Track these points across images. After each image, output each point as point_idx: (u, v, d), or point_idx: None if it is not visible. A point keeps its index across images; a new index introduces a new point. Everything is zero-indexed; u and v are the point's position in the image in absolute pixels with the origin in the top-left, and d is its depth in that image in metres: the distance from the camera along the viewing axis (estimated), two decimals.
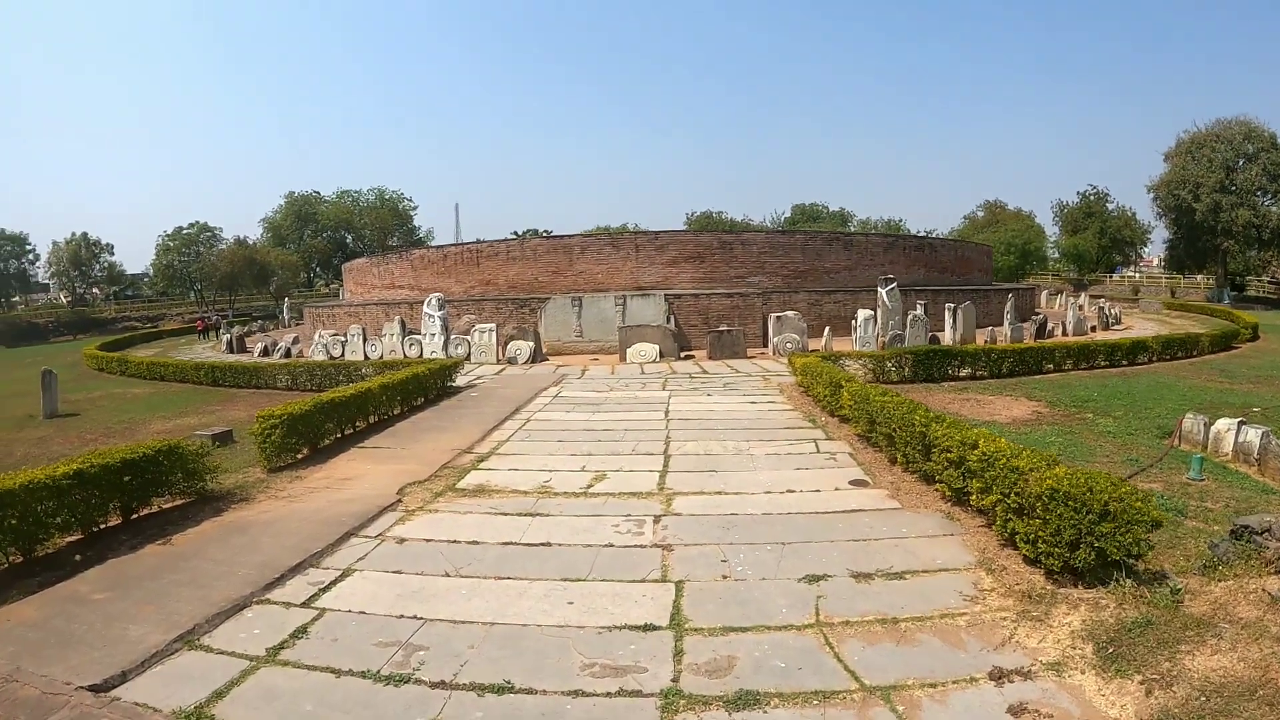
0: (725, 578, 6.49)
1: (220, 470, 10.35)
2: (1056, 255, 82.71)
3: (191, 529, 8.40)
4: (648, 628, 5.54)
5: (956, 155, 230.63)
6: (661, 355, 24.04)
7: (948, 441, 8.22)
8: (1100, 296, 50.53)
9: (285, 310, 56.54)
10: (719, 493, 9.10)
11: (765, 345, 26.48)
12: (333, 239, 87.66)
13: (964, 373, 18.78)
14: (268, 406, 11.72)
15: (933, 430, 8.72)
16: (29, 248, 75.40)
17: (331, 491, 9.71)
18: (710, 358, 24.03)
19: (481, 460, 11.01)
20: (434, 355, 24.90)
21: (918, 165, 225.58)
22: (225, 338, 39.19)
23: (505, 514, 8.50)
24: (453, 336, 25.32)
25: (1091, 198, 77.71)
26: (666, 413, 14.26)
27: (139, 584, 6.89)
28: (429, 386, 16.60)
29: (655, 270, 32.16)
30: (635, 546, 7.30)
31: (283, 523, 8.45)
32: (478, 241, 36.16)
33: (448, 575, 6.69)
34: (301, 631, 5.74)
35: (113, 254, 77.93)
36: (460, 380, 19.78)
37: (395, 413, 14.97)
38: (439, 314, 25.31)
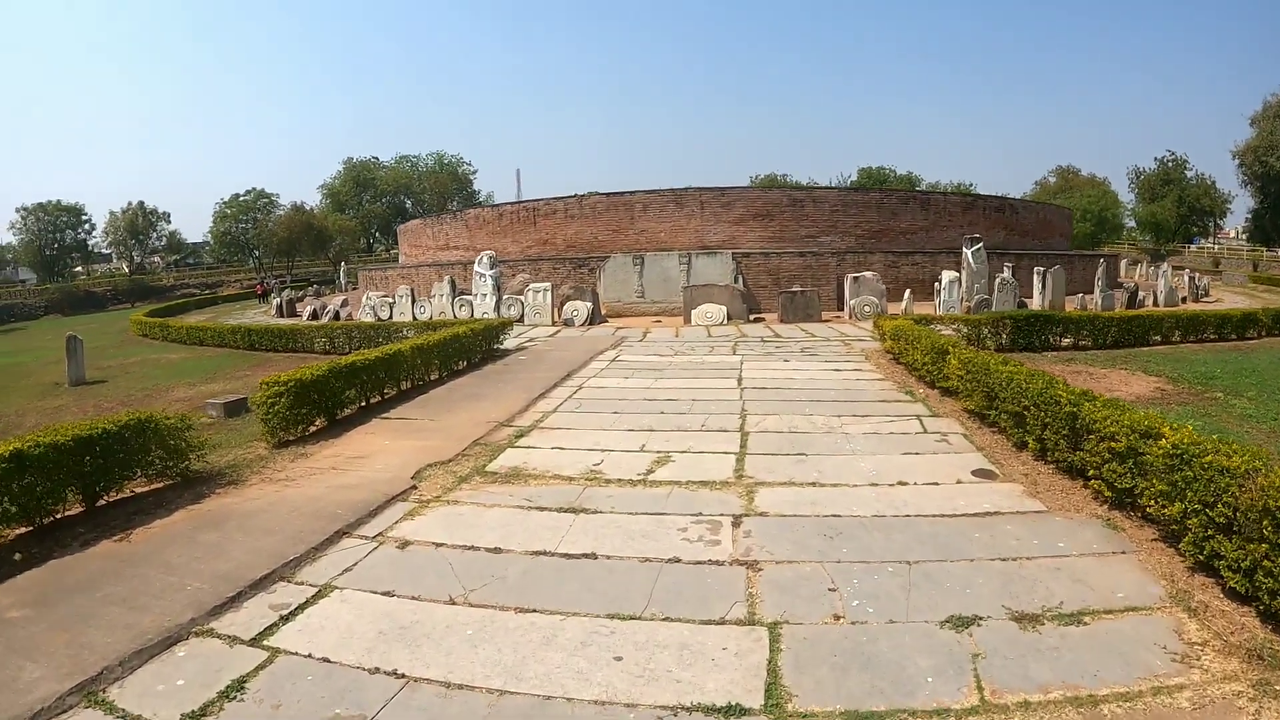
0: (838, 619, 4.58)
1: (212, 446, 8.88)
2: (1132, 224, 77.80)
3: (160, 520, 6.84)
4: (732, 712, 3.68)
5: (1027, 119, 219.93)
6: (729, 317, 22.02)
7: (1112, 427, 6.13)
8: (1181, 268, 46.53)
9: (342, 275, 56.03)
10: (813, 484, 7.15)
11: (840, 308, 24.23)
12: (391, 204, 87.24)
13: (1065, 342, 16.57)
14: (289, 370, 10.20)
15: (1086, 411, 6.64)
16: (85, 218, 76.41)
17: (337, 473, 8.07)
18: (781, 321, 21.92)
19: (521, 435, 9.25)
20: (485, 316, 23.33)
21: (987, 129, 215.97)
22: (275, 301, 38.52)
23: (542, 508, 6.72)
24: (505, 297, 23.70)
25: (1169, 164, 72.80)
26: (739, 381, 12.33)
27: (68, 598, 5.32)
28: (472, 349, 14.95)
29: (721, 229, 30.03)
30: (710, 563, 5.42)
31: (267, 514, 6.81)
32: (534, 200, 34.43)
33: (452, 602, 4.93)
34: (237, 687, 4.05)
35: (170, 222, 78.72)
36: (510, 342, 18.14)
37: (432, 378, 13.36)
38: (490, 273, 23.69)
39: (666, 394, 11.37)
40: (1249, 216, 60.67)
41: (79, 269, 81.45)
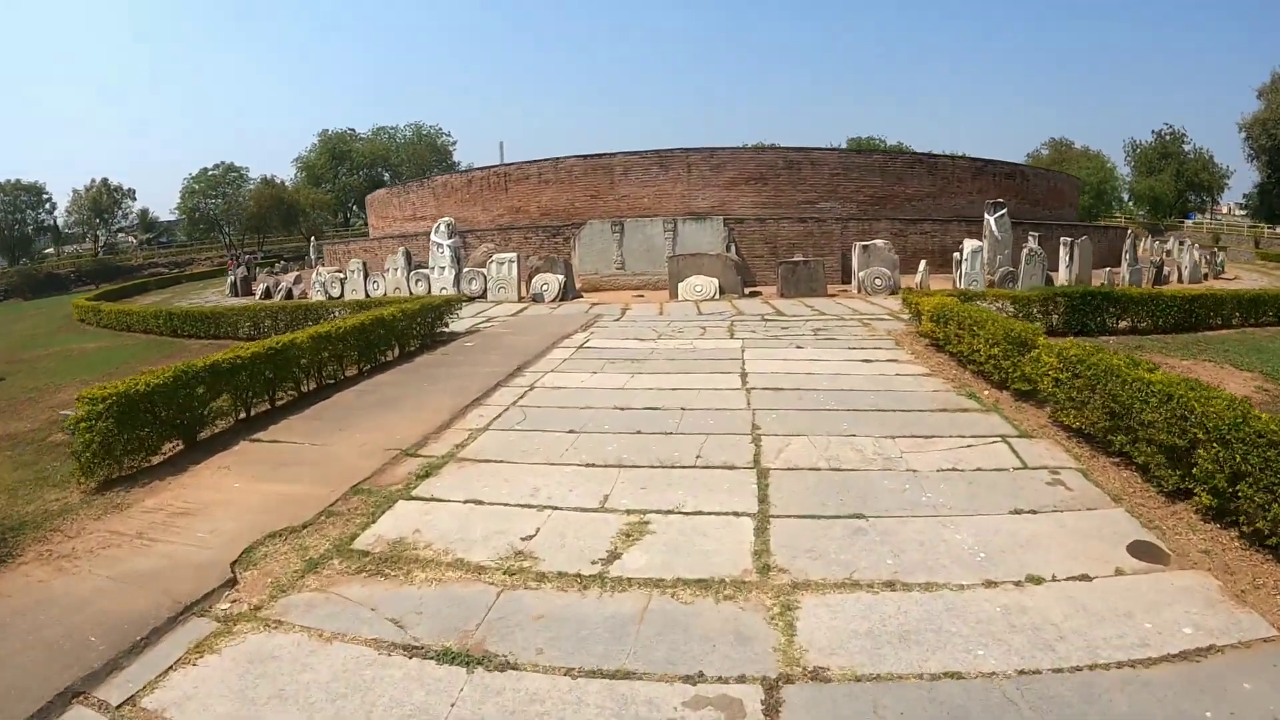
0: None
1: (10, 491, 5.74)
2: (1128, 198, 74.94)
3: None
4: None
5: (1018, 91, 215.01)
6: (721, 291, 18.85)
7: None
8: (1182, 242, 43.49)
9: (312, 250, 52.39)
10: (890, 585, 4.09)
11: (845, 281, 21.11)
12: (369, 177, 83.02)
13: (1122, 324, 13.57)
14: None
15: None
16: (46, 197, 71.93)
17: (141, 546, 5.04)
18: (781, 295, 18.78)
19: (426, 475, 6.08)
20: (443, 292, 20.10)
21: (976, 100, 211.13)
22: (230, 279, 35.08)
23: (412, 646, 3.64)
24: (466, 270, 20.43)
25: (1167, 138, 69.32)
26: (743, 377, 9.19)
27: None
28: (405, 335, 11.74)
29: (710, 194, 26.74)
30: None
31: None
32: (505, 164, 31.00)
33: None
34: None
35: (135, 199, 74.22)
36: (463, 322, 14.97)
37: (348, 374, 10.20)
38: (448, 243, 20.38)
39: (646, 398, 8.21)
40: (1254, 191, 57.82)
41: (49, 250, 77.14)
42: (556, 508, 5.25)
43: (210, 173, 71.53)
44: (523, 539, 4.80)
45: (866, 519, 4.95)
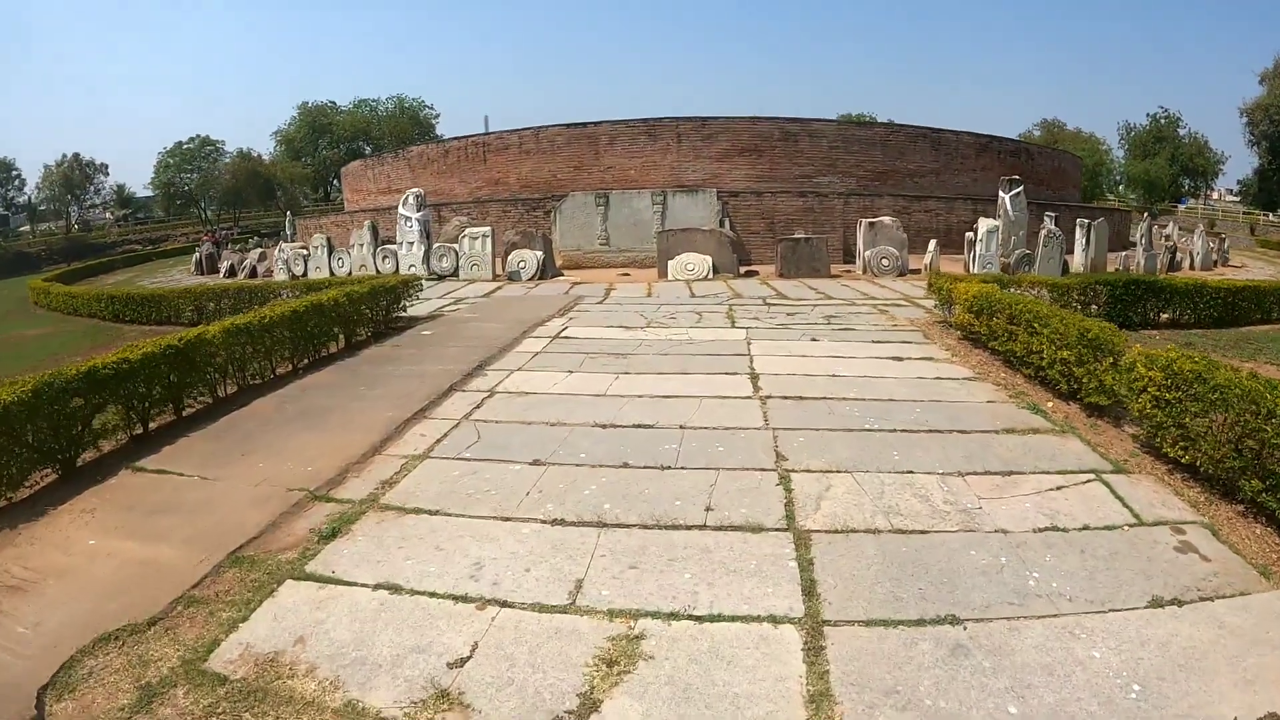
0: None
1: None
2: (1121, 181, 73.42)
3: None
4: None
5: (1008, 71, 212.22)
6: (715, 270, 17.11)
7: None
8: (1193, 229, 41.86)
9: (288, 225, 50.16)
10: None
11: (847, 261, 19.44)
12: (350, 150, 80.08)
13: (1164, 317, 12.01)
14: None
15: None
16: (15, 173, 68.84)
17: None
18: (781, 275, 17.07)
19: (333, 535, 4.35)
20: (412, 270, 18.28)
21: (966, 78, 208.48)
22: (195, 257, 33.02)
23: None
24: (436, 246, 18.55)
25: (1162, 121, 67.42)
26: (753, 380, 7.48)
27: None
28: (351, 322, 9.96)
29: (702, 165, 24.93)
30: None
31: None
32: (484, 134, 28.98)
33: None
34: None
35: (108, 174, 71.16)
36: (427, 304, 13.22)
37: (278, 372, 8.43)
38: (417, 216, 18.48)
39: (635, 411, 6.50)
40: (1251, 177, 56.48)
41: (25, 228, 74.11)
42: (506, 603, 3.55)
43: (185, 146, 68.68)
44: (450, 665, 3.12)
45: (963, 625, 3.30)
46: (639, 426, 6.04)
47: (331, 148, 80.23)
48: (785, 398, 6.76)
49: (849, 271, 17.93)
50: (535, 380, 7.67)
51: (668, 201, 20.03)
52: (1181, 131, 67.08)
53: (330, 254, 20.70)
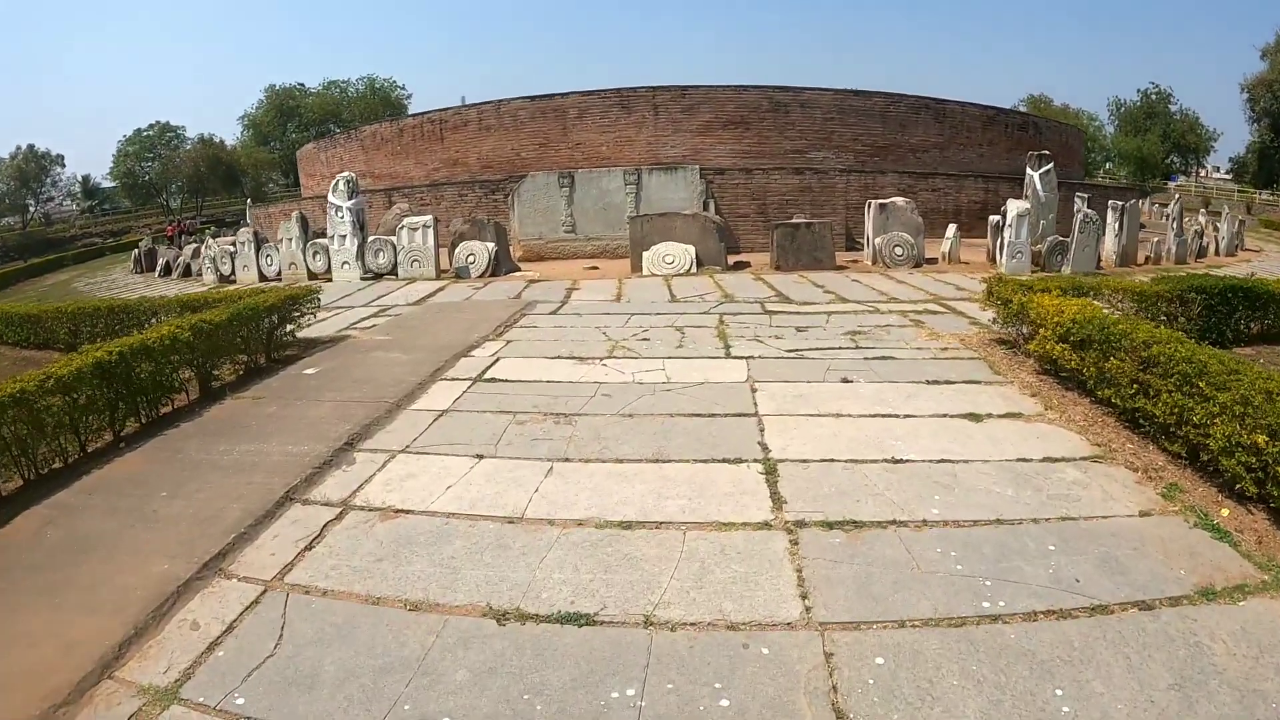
0: None
1: None
2: (1110, 158, 70.90)
3: None
4: None
5: (990, 45, 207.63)
6: (699, 263, 14.16)
7: None
8: (1219, 211, 38.90)
9: (248, 214, 46.74)
10: None
11: (850, 248, 16.51)
12: (320, 134, 76.27)
13: (1254, 328, 8.94)
14: None
15: None
16: None
17: None
18: (778, 268, 14.15)
19: None
20: (345, 268, 15.27)
21: (947, 53, 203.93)
22: (134, 254, 29.78)
23: None
24: (372, 239, 15.48)
25: (1153, 96, 64.99)
26: (769, 473, 4.51)
27: None
28: (210, 359, 6.95)
29: (682, 140, 21.87)
30: None
31: None
32: (441, 109, 25.76)
33: None
34: None
35: (64, 165, 66.95)
36: (341, 319, 10.27)
37: (90, 448, 5.45)
38: (349, 205, 15.37)
39: (566, 565, 3.59)
40: (1248, 155, 54.15)
41: None
42: None
43: (145, 134, 64.85)
44: None
45: None
46: (568, 620, 3.13)
47: (300, 131, 76.30)
48: (827, 524, 3.84)
49: (856, 262, 15.03)
50: (422, 477, 4.71)
51: (642, 181, 17.03)
52: (1173, 108, 64.85)
53: (259, 251, 17.58)
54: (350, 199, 15.45)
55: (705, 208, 16.73)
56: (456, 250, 14.82)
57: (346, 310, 11.47)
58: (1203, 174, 72.53)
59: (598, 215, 16.97)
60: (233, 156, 61.44)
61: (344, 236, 15.41)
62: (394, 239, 15.13)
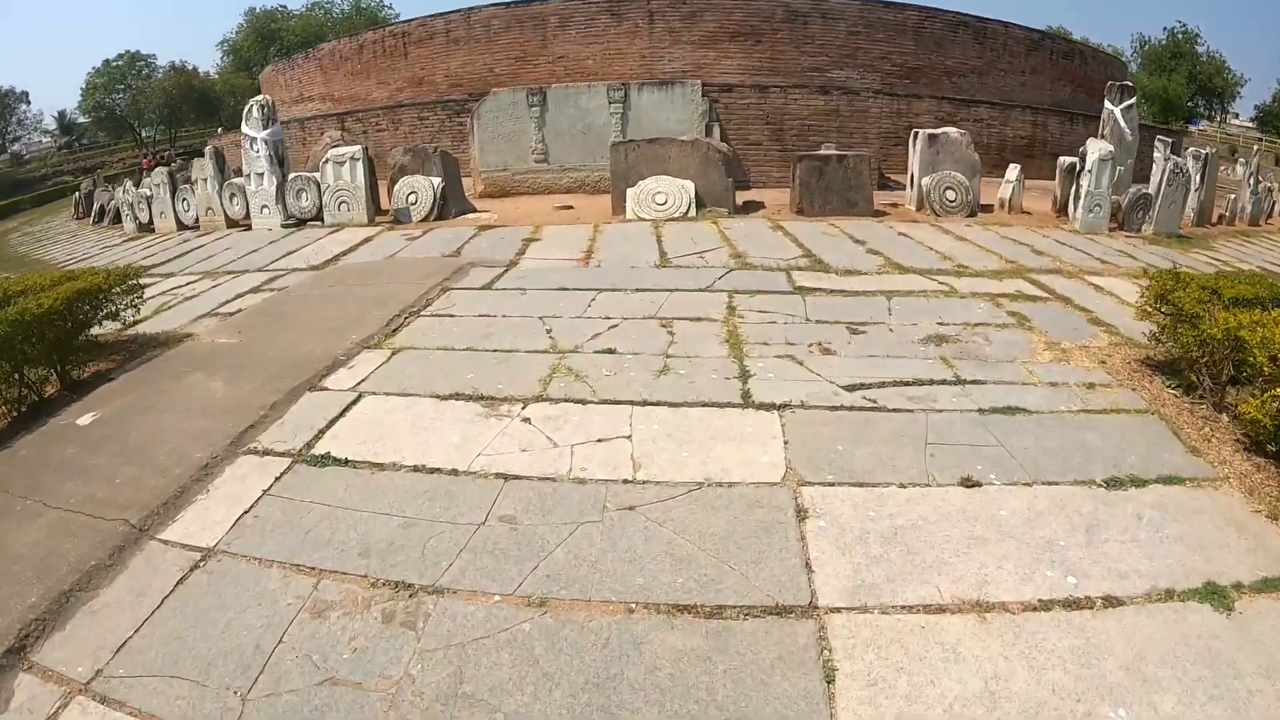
0: None
1: None
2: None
3: None
4: None
5: None
6: (698, 204, 10.89)
7: None
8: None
9: (209, 145, 43.03)
10: None
11: (885, 189, 13.11)
12: None
13: None
14: None
15: None
16: None
17: None
18: (800, 212, 10.88)
19: None
20: (264, 212, 12.09)
21: None
22: (75, 197, 26.35)
23: None
24: (293, 177, 12.21)
25: (1180, 35, 60.10)
26: None
27: None
28: None
29: (681, 54, 18.19)
30: None
31: None
32: (405, 21, 22.02)
33: None
34: None
35: (29, 103, 63.18)
36: (209, 298, 7.24)
37: None
38: (264, 135, 12.08)
39: None
40: (1277, 101, 50.17)
41: None
42: None
43: (114, 64, 60.41)
44: None
45: None
46: None
47: (283, 55, 71.46)
48: None
49: (896, 206, 11.73)
50: None
51: (631, 99, 13.58)
52: (1199, 49, 60.18)
53: (174, 194, 14.35)
54: (266, 128, 12.14)
55: (708, 133, 13.36)
56: (396, 187, 11.61)
57: (235, 278, 8.41)
58: (1224, 120, 68.41)
59: (576, 140, 13.57)
60: (208, 84, 57.06)
61: (260, 175, 12.14)
62: (317, 175, 11.89)
